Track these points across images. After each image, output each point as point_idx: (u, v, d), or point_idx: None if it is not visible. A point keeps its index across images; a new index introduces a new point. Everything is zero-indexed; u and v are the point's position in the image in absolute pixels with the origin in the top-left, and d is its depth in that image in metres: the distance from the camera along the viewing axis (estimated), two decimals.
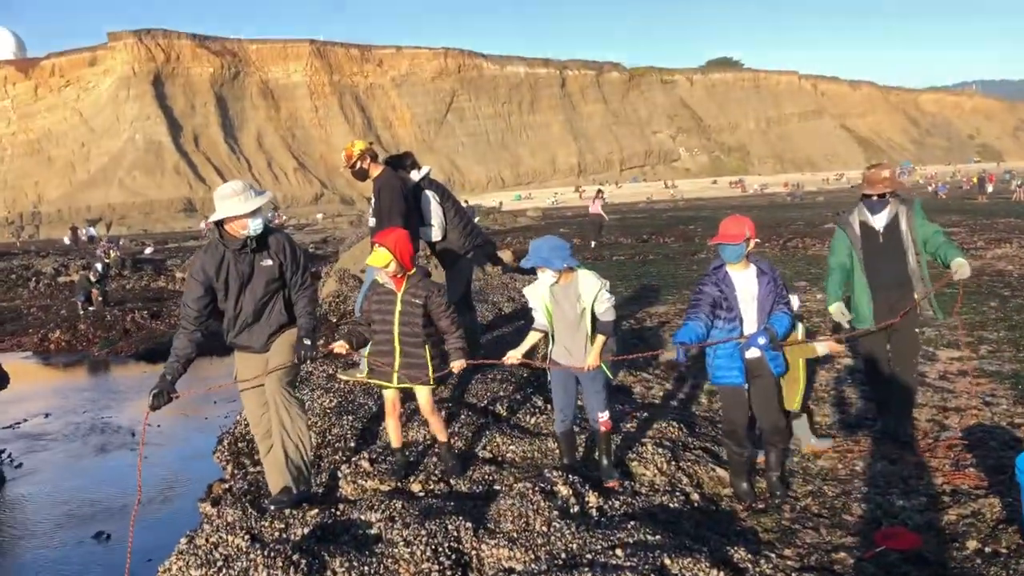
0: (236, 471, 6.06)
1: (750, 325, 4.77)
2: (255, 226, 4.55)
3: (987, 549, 4.27)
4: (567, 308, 4.86)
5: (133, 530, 4.39)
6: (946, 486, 5.13)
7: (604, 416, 5.04)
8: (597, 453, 5.25)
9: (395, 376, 4.92)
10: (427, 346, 4.92)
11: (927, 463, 5.50)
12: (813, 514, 4.87)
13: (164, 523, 6.13)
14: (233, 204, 4.46)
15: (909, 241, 5.90)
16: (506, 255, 19.38)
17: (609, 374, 5.14)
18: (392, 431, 5.20)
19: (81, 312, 17.96)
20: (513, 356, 4.97)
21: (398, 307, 4.87)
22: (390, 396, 5.09)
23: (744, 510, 4.95)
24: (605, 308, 4.86)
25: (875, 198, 5.86)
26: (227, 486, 5.77)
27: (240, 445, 6.49)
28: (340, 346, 4.94)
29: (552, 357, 5.03)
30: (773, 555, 4.27)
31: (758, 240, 4.95)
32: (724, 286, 4.77)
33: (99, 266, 20.85)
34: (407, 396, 5.43)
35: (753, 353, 4.72)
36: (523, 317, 10.10)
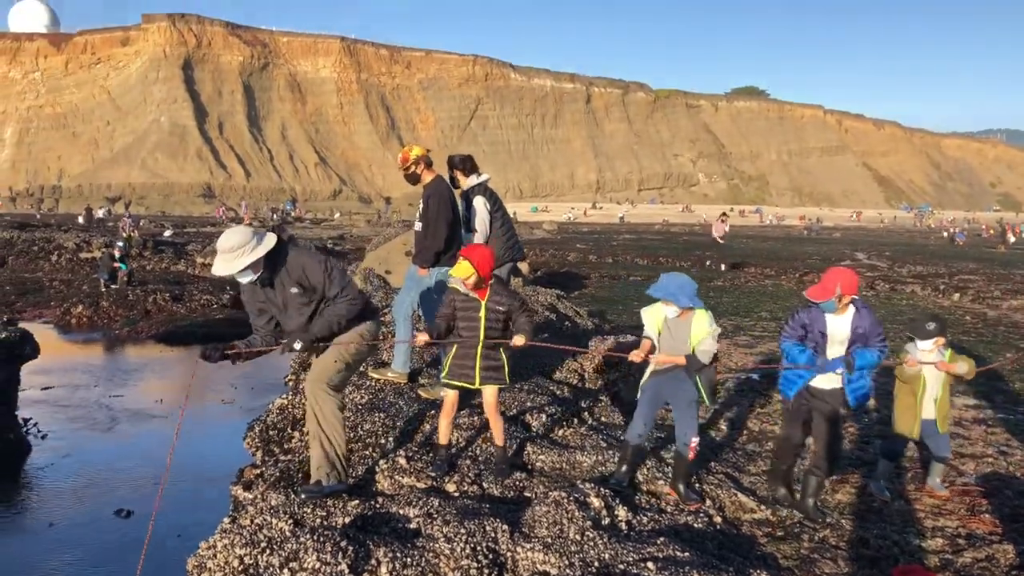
0: (267, 458, 6.23)
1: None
2: (245, 280, 4.69)
3: None
4: (676, 342, 5.24)
5: (159, 503, 4.56)
6: (961, 529, 5.27)
7: (694, 441, 5.30)
8: (672, 475, 5.51)
9: (477, 377, 5.24)
10: (502, 349, 5.29)
11: (943, 506, 5.64)
12: (831, 545, 5.01)
13: (192, 503, 6.33)
14: (219, 264, 4.59)
15: None
16: (523, 266, 19.57)
17: (706, 399, 5.37)
18: (444, 429, 5.43)
19: (103, 290, 18.21)
20: (636, 354, 5.37)
21: (483, 313, 5.20)
22: (452, 397, 5.39)
23: (764, 536, 5.10)
24: (704, 348, 5.19)
25: None
26: (258, 472, 5.95)
27: (271, 433, 6.66)
28: (422, 336, 5.28)
29: (652, 368, 5.42)
30: None
31: (855, 297, 5.24)
32: (815, 324, 5.23)
33: (120, 243, 21.11)
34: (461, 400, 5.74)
35: (827, 374, 5.20)
36: (545, 329, 10.26)
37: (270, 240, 4.68)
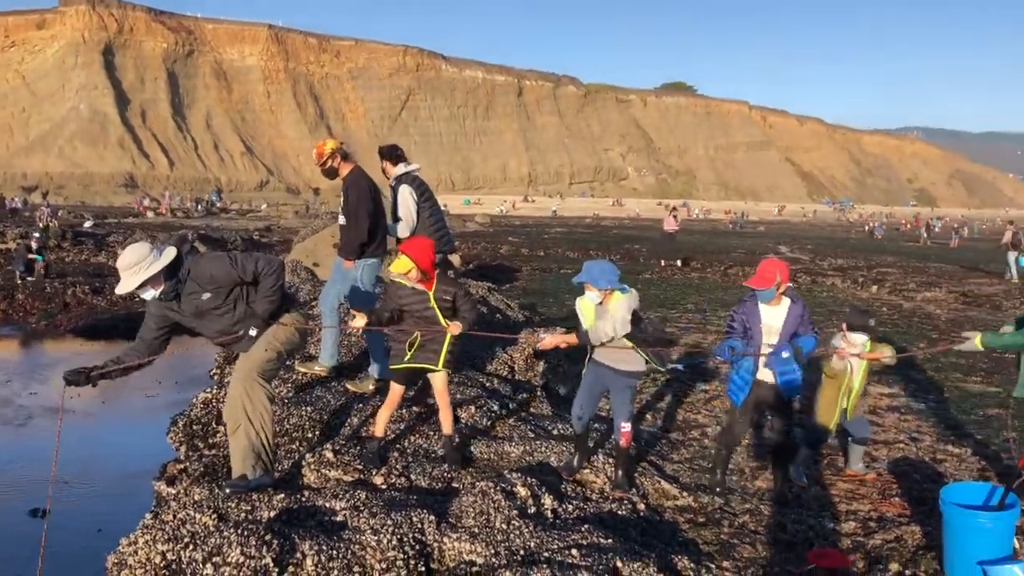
0: (191, 453, 6.13)
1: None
2: (147, 296, 4.67)
3: (908, 572, 4.62)
4: (604, 325, 5.36)
5: (49, 506, 4.46)
6: (873, 513, 5.48)
7: (626, 428, 5.46)
8: (614, 461, 5.66)
9: (441, 360, 5.38)
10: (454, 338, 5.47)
11: (857, 491, 5.86)
12: (751, 530, 5.17)
13: (113, 499, 6.19)
14: (122, 282, 4.59)
15: None
16: (455, 259, 19.56)
17: (658, 365, 5.63)
18: (383, 421, 5.51)
19: (19, 282, 17.58)
20: (553, 340, 5.77)
21: (434, 304, 5.34)
22: (399, 390, 5.50)
23: (686, 523, 5.23)
24: (602, 324, 5.34)
25: None
26: (182, 467, 5.85)
27: (195, 428, 6.54)
28: (361, 318, 5.35)
29: (592, 356, 5.59)
30: (713, 566, 4.54)
31: (790, 284, 5.55)
32: (751, 317, 5.48)
33: (37, 234, 20.43)
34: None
35: (773, 360, 5.45)
36: (476, 322, 10.28)
37: (168, 254, 4.65)
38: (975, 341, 5.31)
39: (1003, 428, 7.21)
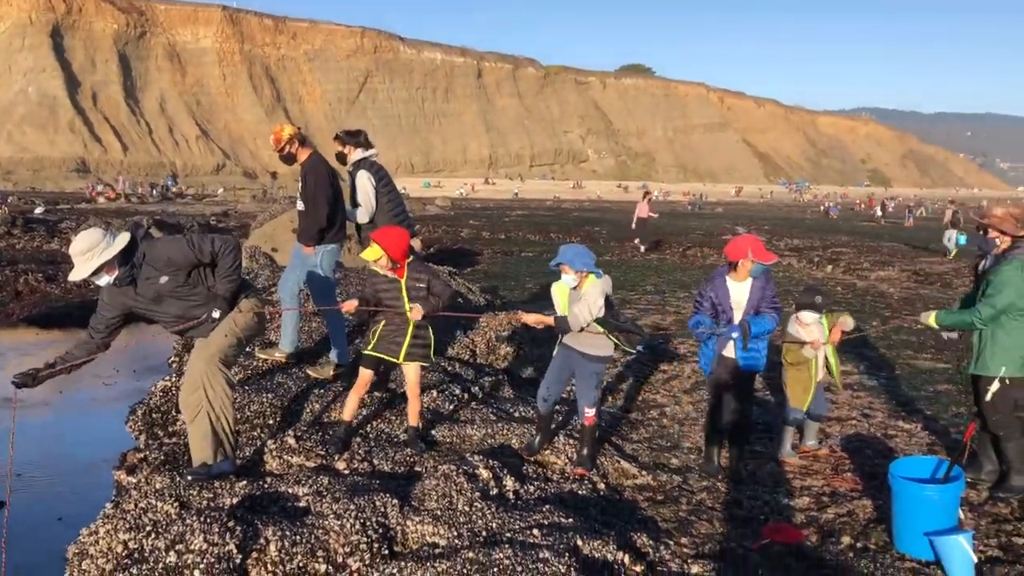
0: (150, 441, 6.09)
1: None
2: (101, 282, 4.64)
3: (859, 544, 4.77)
4: (580, 310, 5.44)
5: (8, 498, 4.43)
6: (826, 488, 5.64)
7: (590, 412, 5.58)
8: (578, 441, 5.79)
9: (403, 353, 5.42)
10: (430, 328, 5.54)
11: (811, 467, 6.01)
12: (708, 507, 5.29)
13: (73, 489, 6.12)
14: (75, 269, 4.57)
15: None
16: (416, 243, 19.50)
17: (626, 348, 5.67)
18: (352, 406, 5.55)
19: None
20: (531, 317, 5.81)
21: (404, 293, 5.37)
22: (367, 375, 5.52)
23: (645, 501, 5.34)
24: (576, 311, 5.42)
25: None
26: (142, 455, 5.82)
27: (154, 416, 6.50)
28: (350, 304, 5.49)
29: (562, 340, 5.69)
30: (671, 542, 4.66)
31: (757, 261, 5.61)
32: (718, 293, 5.61)
33: None
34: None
35: (726, 341, 5.60)
36: None
37: (121, 239, 4.61)
38: (931, 318, 5.60)
39: (951, 403, 7.44)
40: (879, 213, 51.27)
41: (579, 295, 5.47)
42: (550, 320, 5.58)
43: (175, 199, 54.85)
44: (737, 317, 5.60)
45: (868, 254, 23.49)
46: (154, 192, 60.84)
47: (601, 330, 5.46)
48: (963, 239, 24.42)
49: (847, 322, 6.13)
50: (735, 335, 5.52)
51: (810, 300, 6.09)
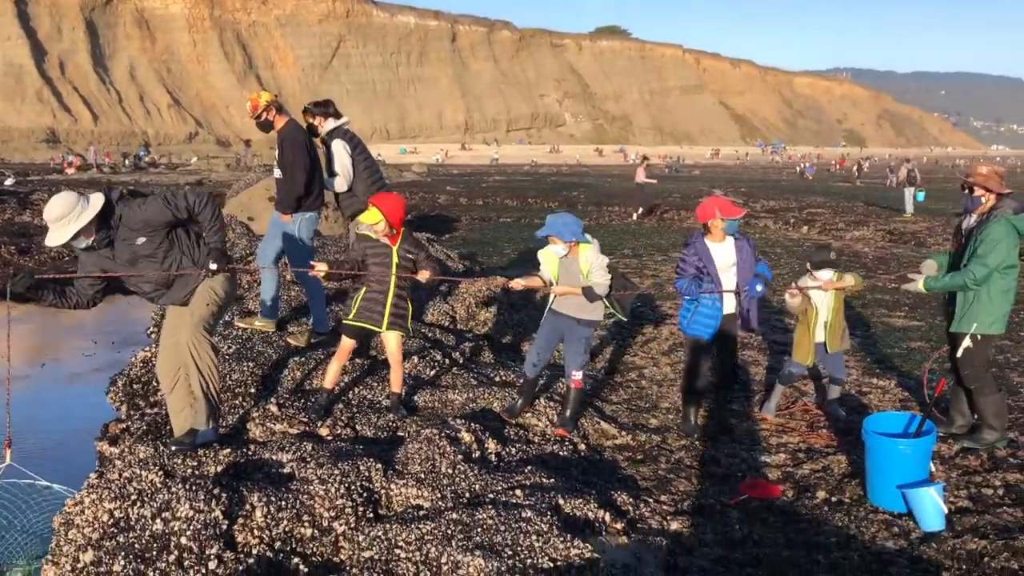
0: (132, 412, 6.09)
1: (728, 287, 5.73)
2: (81, 245, 4.60)
3: (834, 499, 4.89)
4: (571, 278, 5.53)
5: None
6: (802, 444, 5.75)
7: (577, 376, 5.67)
8: (560, 404, 5.89)
9: (385, 321, 5.42)
10: (409, 298, 5.55)
11: (787, 424, 6.12)
12: (686, 465, 5.39)
13: (58, 460, 6.12)
14: (51, 234, 4.51)
15: None
16: None
17: (621, 315, 5.80)
18: (334, 373, 5.57)
19: None
20: (517, 281, 5.69)
21: (394, 260, 5.39)
22: (349, 344, 5.55)
23: (625, 460, 5.43)
24: (597, 280, 5.48)
25: None
26: (124, 426, 5.82)
27: (135, 387, 6.50)
28: (323, 265, 5.51)
29: (552, 306, 5.75)
30: (651, 500, 4.75)
31: (734, 219, 5.72)
32: (702, 256, 5.68)
33: None
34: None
35: (755, 294, 5.68)
36: None
37: (96, 202, 4.55)
38: (919, 284, 5.67)
39: (924, 360, 7.57)
40: (856, 173, 51.53)
41: (573, 262, 5.52)
42: (577, 291, 5.52)
43: (148, 169, 54.11)
44: (725, 277, 5.69)
45: (843, 214, 23.66)
46: (126, 162, 60.01)
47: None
48: (921, 196, 24.73)
49: (848, 280, 6.14)
50: (760, 288, 5.64)
51: (826, 257, 6.15)
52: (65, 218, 4.44)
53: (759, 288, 5.65)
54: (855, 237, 18.73)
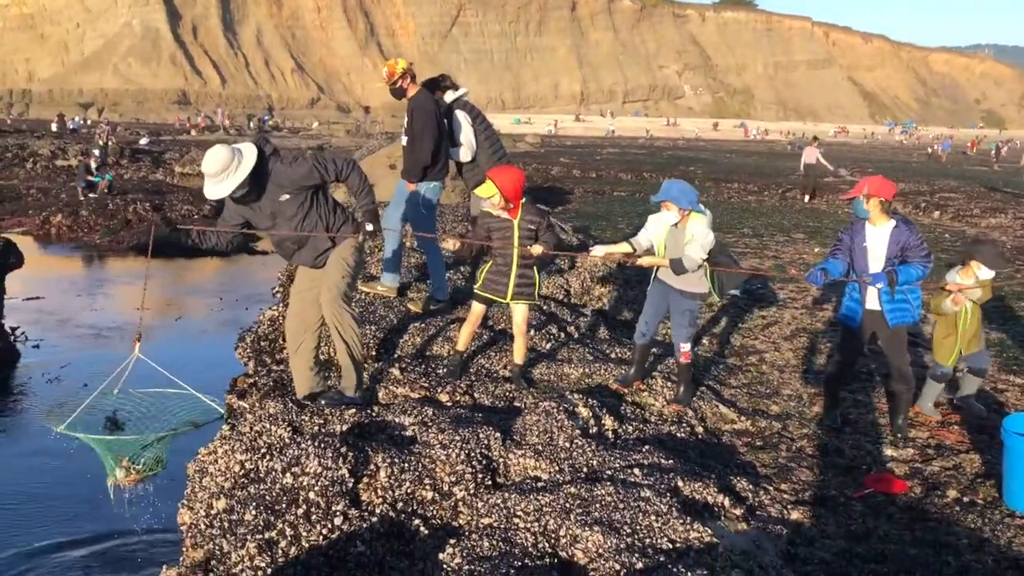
0: (259, 368, 6.32)
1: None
2: (234, 195, 4.71)
3: (966, 499, 4.66)
4: (678, 247, 5.43)
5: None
6: (932, 440, 5.50)
7: (685, 347, 5.62)
8: (674, 382, 5.84)
9: (510, 292, 5.45)
10: (536, 268, 5.54)
11: (915, 419, 5.86)
12: (808, 455, 5.24)
13: (190, 412, 6.43)
14: (210, 187, 4.65)
15: None
16: None
17: (715, 293, 5.66)
18: (466, 336, 5.67)
19: (82, 199, 18.01)
20: (597, 251, 5.75)
21: (516, 233, 5.37)
22: (479, 309, 5.61)
23: (744, 446, 5.31)
24: (689, 253, 5.36)
25: None
26: (252, 381, 6.06)
27: (263, 344, 6.74)
28: (452, 242, 5.69)
29: (656, 275, 5.72)
30: (771, 488, 4.64)
31: (883, 199, 5.21)
32: (853, 236, 5.31)
33: (96, 152, 20.79)
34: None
35: (872, 287, 5.24)
36: None
37: (250, 155, 4.66)
38: None
39: None
40: (994, 157, 48.65)
41: (681, 232, 5.40)
42: (664, 262, 5.47)
43: (271, 132, 55.95)
44: (871, 263, 5.22)
45: (979, 200, 22.38)
46: (251, 125, 62.16)
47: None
48: None
49: (975, 292, 5.72)
50: (879, 285, 5.12)
51: (1001, 266, 5.85)
52: (224, 172, 4.58)
53: (878, 285, 5.13)
54: (992, 225, 17.70)
